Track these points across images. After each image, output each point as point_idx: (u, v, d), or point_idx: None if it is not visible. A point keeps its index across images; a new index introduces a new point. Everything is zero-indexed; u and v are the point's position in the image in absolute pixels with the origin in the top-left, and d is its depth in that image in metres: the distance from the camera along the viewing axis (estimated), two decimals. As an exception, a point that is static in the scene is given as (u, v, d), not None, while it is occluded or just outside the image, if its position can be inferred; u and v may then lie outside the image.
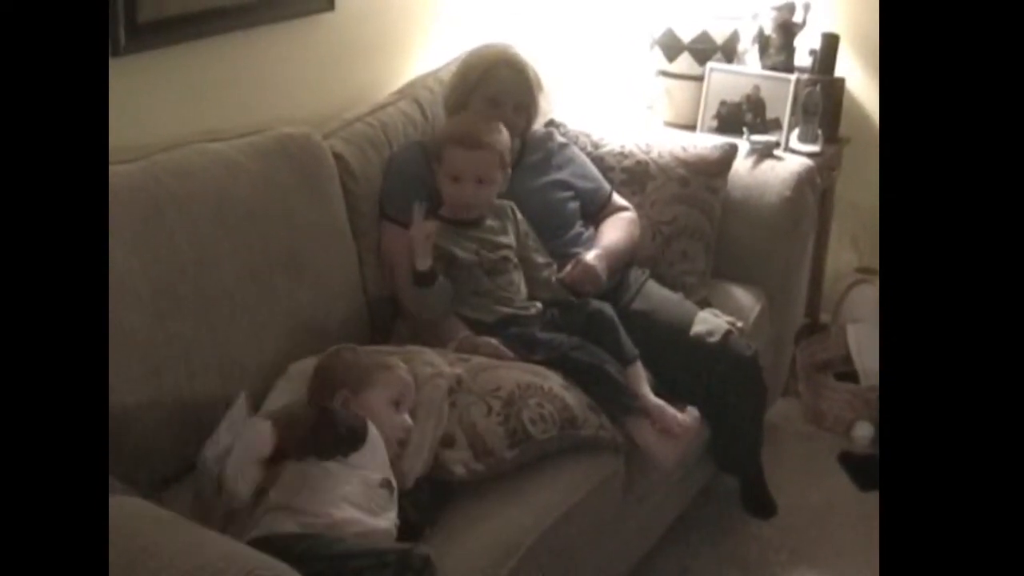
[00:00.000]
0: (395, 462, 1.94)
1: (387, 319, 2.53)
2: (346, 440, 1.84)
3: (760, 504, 2.87)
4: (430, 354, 2.22)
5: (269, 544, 1.61)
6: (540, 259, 2.59)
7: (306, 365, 2.14)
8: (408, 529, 1.90)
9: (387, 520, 1.83)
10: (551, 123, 3.00)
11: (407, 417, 2.01)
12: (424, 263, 2.36)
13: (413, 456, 1.99)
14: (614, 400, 2.34)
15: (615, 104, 3.42)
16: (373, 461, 1.88)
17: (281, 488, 1.78)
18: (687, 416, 2.39)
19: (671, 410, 2.38)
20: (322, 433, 1.82)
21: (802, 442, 3.22)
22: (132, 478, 1.86)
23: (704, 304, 2.73)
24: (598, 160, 2.91)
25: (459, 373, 2.16)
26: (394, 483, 1.88)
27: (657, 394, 2.41)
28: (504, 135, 2.51)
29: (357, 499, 1.80)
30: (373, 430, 1.90)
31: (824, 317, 3.60)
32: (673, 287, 2.75)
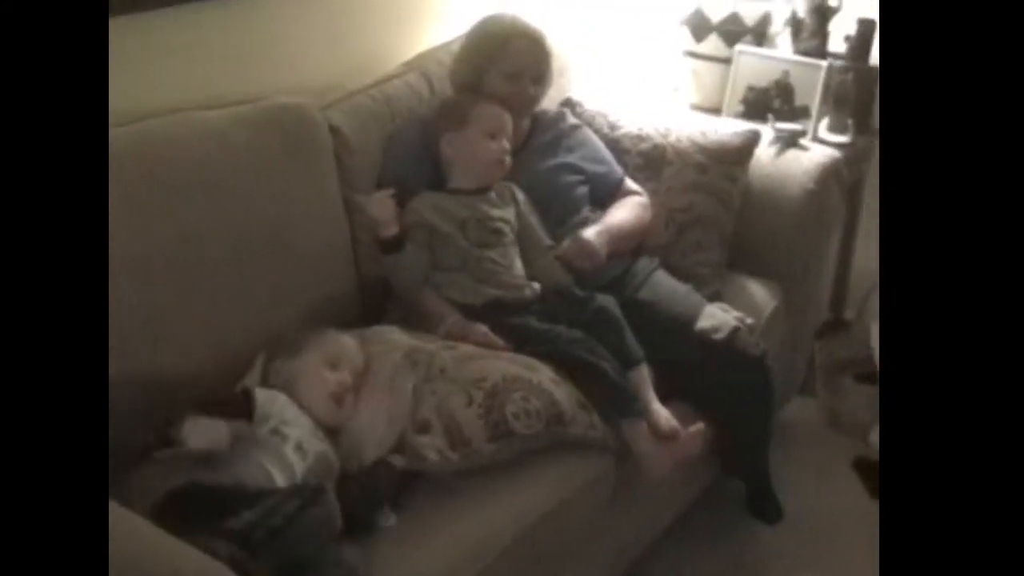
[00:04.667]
0: (333, 416, 1.98)
1: (380, 299, 2.44)
2: None
3: (765, 508, 2.75)
4: (387, 332, 2.17)
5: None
6: (544, 243, 2.49)
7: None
8: (355, 511, 1.82)
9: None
10: (567, 102, 2.89)
11: (345, 374, 2.01)
12: (389, 230, 2.32)
13: (366, 432, 1.94)
14: (610, 400, 2.22)
15: (640, 84, 3.29)
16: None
17: None
18: (691, 430, 2.26)
19: (673, 420, 2.26)
20: None
21: (816, 445, 3.08)
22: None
23: (715, 297, 2.61)
24: (614, 142, 2.80)
25: (415, 344, 2.11)
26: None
27: (663, 401, 2.30)
28: None
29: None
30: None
31: (849, 314, 3.47)
32: (685, 278, 2.62)
